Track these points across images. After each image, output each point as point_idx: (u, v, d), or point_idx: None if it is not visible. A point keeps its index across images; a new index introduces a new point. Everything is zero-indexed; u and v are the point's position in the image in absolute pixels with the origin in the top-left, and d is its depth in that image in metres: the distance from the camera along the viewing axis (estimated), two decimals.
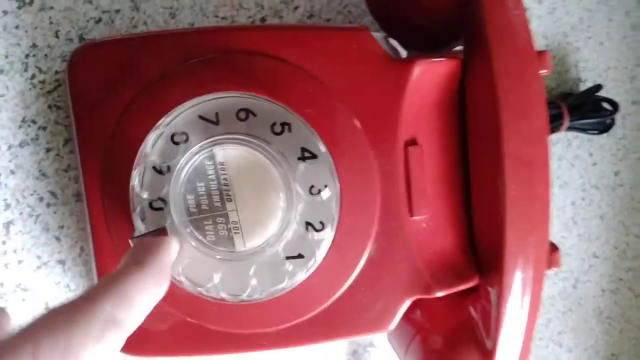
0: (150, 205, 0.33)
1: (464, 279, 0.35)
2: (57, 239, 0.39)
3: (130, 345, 0.25)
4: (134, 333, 0.25)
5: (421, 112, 0.34)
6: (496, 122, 0.31)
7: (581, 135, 0.56)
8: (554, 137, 0.54)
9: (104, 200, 0.34)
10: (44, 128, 0.39)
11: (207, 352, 0.36)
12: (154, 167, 0.33)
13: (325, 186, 0.32)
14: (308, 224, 0.33)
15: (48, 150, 0.39)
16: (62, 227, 0.39)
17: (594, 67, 0.56)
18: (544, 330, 0.56)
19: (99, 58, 0.35)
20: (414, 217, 0.34)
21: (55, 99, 0.39)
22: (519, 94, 0.30)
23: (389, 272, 0.34)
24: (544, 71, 0.34)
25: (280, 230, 0.32)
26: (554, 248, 0.37)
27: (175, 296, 0.33)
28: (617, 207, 0.58)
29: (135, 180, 0.32)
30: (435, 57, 0.33)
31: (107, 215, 0.34)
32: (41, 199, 0.39)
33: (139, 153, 0.32)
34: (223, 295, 0.32)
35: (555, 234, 0.55)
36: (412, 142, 0.33)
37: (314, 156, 0.32)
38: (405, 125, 0.33)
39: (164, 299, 0.33)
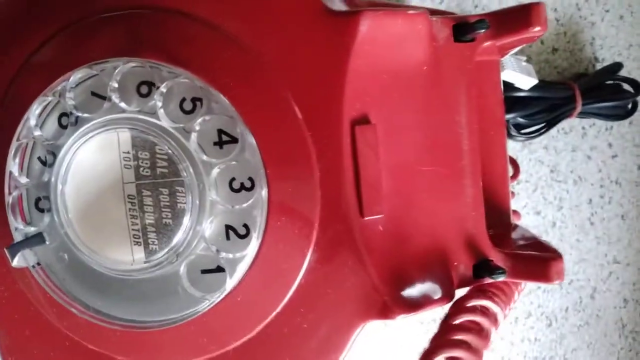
0: (36, 203, 0.25)
1: (434, 297, 0.25)
2: None
3: None
4: None
5: (374, 81, 0.24)
6: None
7: (599, 122, 0.45)
8: (566, 125, 0.44)
9: None
10: None
11: None
12: (39, 157, 0.25)
13: (250, 179, 0.24)
14: (229, 228, 0.24)
15: None
16: None
17: (613, 44, 0.45)
18: (557, 348, 0.46)
19: None
20: (366, 218, 0.24)
21: None
22: None
23: (335, 289, 0.24)
24: (538, 29, 0.25)
25: (191, 238, 0.23)
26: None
27: (69, 319, 0.25)
28: None
29: (12, 163, 0.24)
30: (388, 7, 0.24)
31: None
32: None
33: (18, 130, 0.24)
34: (118, 319, 0.24)
35: (569, 236, 0.45)
36: (362, 121, 0.24)
37: (233, 140, 0.23)
38: (353, 99, 0.23)
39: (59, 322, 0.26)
